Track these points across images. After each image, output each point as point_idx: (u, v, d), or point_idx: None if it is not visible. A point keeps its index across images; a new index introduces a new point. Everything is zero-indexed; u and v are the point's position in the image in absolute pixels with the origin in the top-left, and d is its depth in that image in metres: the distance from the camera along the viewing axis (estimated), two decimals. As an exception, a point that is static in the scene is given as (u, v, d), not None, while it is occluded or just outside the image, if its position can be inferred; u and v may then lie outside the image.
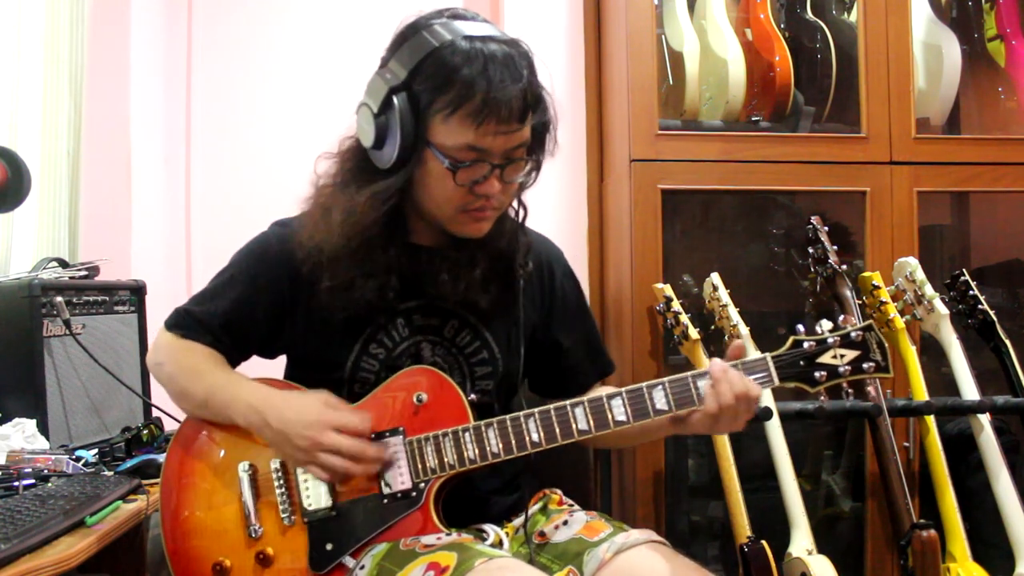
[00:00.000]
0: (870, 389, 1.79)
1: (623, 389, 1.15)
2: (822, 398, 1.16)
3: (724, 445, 1.76)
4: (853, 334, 1.15)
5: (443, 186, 1.16)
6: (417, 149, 1.15)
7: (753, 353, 1.16)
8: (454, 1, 1.34)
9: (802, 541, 1.75)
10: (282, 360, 1.37)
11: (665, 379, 1.14)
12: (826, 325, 1.17)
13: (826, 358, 1.15)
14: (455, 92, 1.10)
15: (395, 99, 1.13)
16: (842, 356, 1.15)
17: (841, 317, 1.19)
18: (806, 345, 1.15)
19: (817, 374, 1.14)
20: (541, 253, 1.37)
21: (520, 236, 1.30)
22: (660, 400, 1.13)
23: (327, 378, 1.27)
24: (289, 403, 1.20)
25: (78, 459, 1.49)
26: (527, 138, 1.18)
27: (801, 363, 1.15)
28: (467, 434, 1.18)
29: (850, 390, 1.19)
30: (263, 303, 1.28)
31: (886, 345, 1.16)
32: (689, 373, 1.15)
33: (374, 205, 1.19)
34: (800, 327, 1.18)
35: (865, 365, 1.15)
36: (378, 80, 1.16)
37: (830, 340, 1.15)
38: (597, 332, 1.46)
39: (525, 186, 1.26)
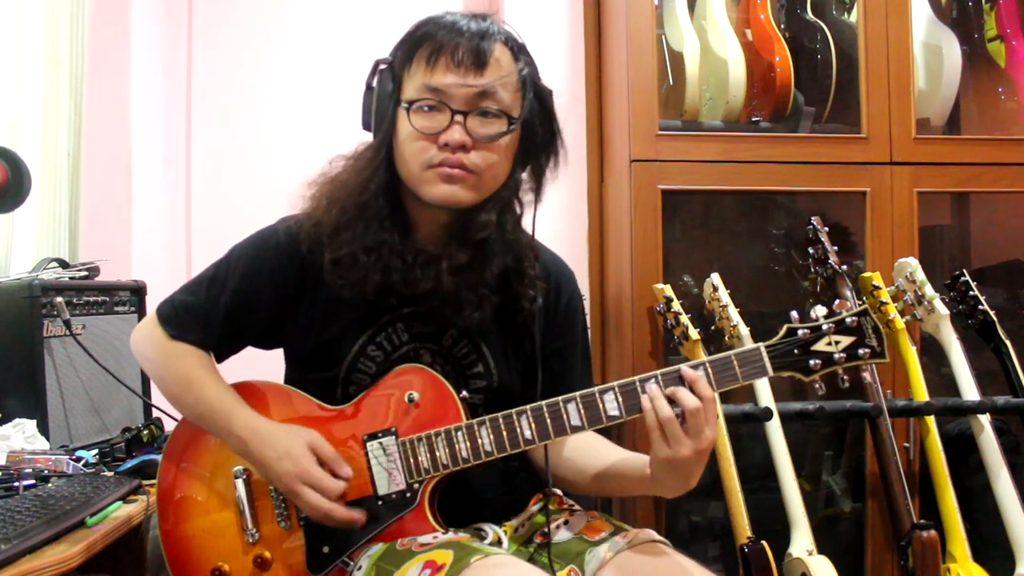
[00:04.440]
0: (865, 373, 1.77)
1: (615, 383, 1.13)
2: (817, 385, 1.14)
3: (724, 445, 1.76)
4: (848, 319, 1.12)
5: (408, 139, 1.18)
6: (392, 111, 1.19)
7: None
8: (454, 4, 1.34)
9: (802, 541, 1.75)
10: (277, 357, 1.37)
11: (657, 371, 1.12)
12: (820, 311, 1.14)
13: (820, 345, 1.12)
14: (416, 43, 1.18)
15: (382, 71, 1.20)
16: (837, 343, 1.12)
17: (836, 302, 1.15)
18: (800, 333, 1.12)
19: (812, 362, 1.11)
20: (551, 273, 1.35)
21: (528, 250, 1.27)
22: (657, 396, 1.10)
23: (323, 376, 1.26)
24: (273, 443, 1.18)
25: (78, 459, 1.49)
26: (494, 89, 1.16)
27: (795, 351, 1.12)
28: (460, 433, 1.17)
29: (846, 377, 1.16)
30: (266, 296, 1.26)
31: (882, 330, 1.12)
32: (680, 365, 1.12)
33: (356, 168, 1.22)
34: (794, 314, 1.15)
35: (860, 351, 1.11)
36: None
37: (824, 327, 1.12)
38: (588, 364, 1.41)
39: (517, 176, 1.24)
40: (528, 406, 1.16)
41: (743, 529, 1.73)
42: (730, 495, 1.75)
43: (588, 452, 1.27)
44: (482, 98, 1.16)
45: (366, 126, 1.23)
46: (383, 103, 1.19)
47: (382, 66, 1.20)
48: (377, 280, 1.20)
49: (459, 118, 1.15)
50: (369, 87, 1.21)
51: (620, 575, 1.13)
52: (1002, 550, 1.76)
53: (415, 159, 1.17)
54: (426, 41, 1.17)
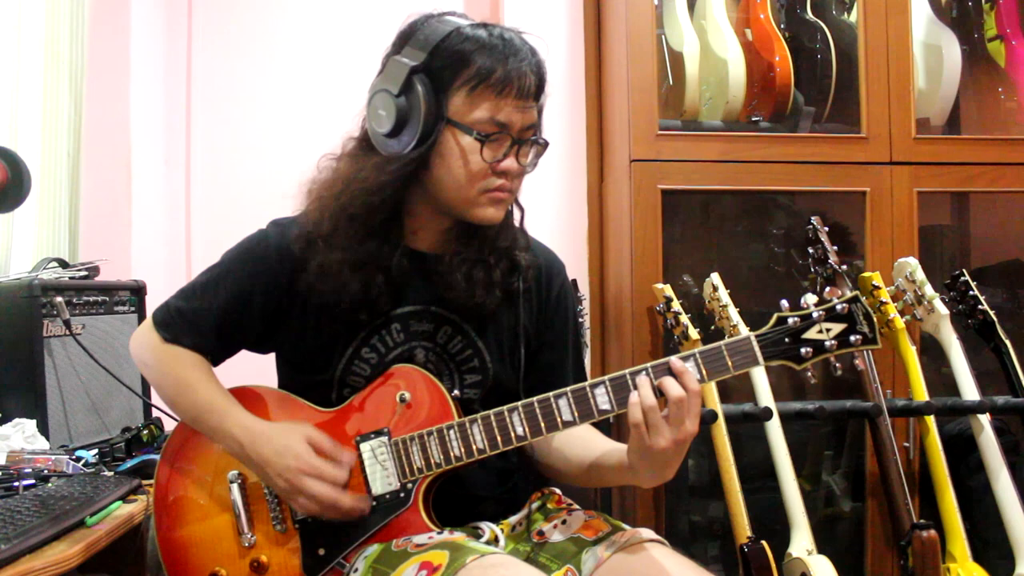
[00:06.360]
0: (858, 362, 1.76)
1: (605, 377, 1.13)
2: (809, 373, 1.13)
3: (724, 445, 1.76)
4: (839, 306, 1.10)
5: (466, 164, 1.17)
6: (438, 128, 1.16)
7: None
8: (455, 4, 1.34)
9: (802, 541, 1.75)
10: (272, 361, 1.37)
11: (648, 364, 1.11)
12: (811, 299, 1.12)
13: (811, 333, 1.10)
14: (478, 66, 1.14)
15: (415, 79, 1.15)
16: (828, 330, 1.10)
17: (827, 289, 1.14)
18: (791, 321, 1.11)
19: (803, 350, 1.10)
20: (541, 263, 1.36)
21: (521, 243, 1.30)
22: (644, 385, 1.10)
23: (317, 380, 1.26)
24: (271, 440, 1.19)
25: (78, 459, 1.49)
26: (536, 120, 1.21)
27: (786, 340, 1.10)
28: (452, 431, 1.17)
29: (838, 364, 1.15)
30: (259, 301, 1.26)
31: (873, 316, 1.11)
32: (670, 357, 1.11)
33: (381, 170, 1.18)
34: (784, 303, 1.13)
35: (852, 338, 1.10)
36: (396, 63, 1.17)
37: (815, 314, 1.10)
38: (579, 355, 1.42)
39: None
40: (519, 403, 1.16)
41: (743, 529, 1.73)
42: (730, 495, 1.75)
43: (576, 443, 1.28)
44: (533, 127, 1.20)
45: (392, 134, 1.17)
46: (416, 115, 1.15)
47: (415, 75, 1.15)
48: (355, 291, 1.21)
49: (516, 149, 1.18)
50: (400, 93, 1.15)
51: (617, 575, 1.13)
52: (1002, 550, 1.76)
53: (471, 184, 1.18)
54: (487, 64, 1.14)
